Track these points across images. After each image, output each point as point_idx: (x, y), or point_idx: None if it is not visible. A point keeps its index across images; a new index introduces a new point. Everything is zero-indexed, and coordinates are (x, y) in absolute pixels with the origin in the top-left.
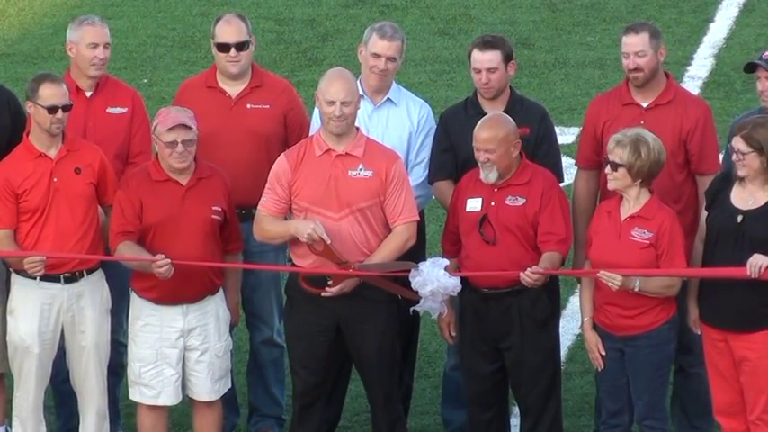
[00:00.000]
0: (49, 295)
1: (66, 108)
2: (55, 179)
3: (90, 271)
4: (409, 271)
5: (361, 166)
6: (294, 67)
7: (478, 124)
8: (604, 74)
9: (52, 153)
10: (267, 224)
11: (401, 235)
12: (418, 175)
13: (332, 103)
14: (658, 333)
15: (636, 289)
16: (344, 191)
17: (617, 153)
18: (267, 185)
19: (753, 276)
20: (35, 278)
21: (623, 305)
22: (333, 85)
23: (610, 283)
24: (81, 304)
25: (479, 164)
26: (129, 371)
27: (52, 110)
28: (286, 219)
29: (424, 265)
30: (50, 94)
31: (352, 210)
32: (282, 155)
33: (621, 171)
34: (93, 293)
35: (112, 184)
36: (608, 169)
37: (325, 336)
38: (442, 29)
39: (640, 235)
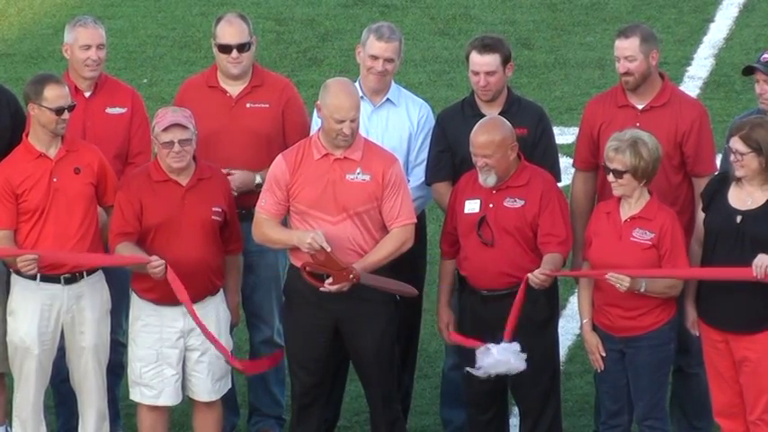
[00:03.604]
0: (49, 296)
1: (71, 108)
2: (54, 179)
3: (90, 272)
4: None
5: (358, 170)
6: (294, 67)
7: (474, 129)
8: (604, 74)
9: (52, 153)
10: (268, 229)
11: (398, 237)
12: (419, 175)
13: (342, 121)
14: (659, 333)
15: (642, 290)
16: (342, 195)
17: (618, 160)
18: (265, 186)
19: (759, 277)
20: (35, 279)
21: (625, 306)
22: (344, 105)
23: (618, 285)
24: (81, 305)
25: (477, 168)
26: (130, 371)
27: (59, 111)
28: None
29: (495, 348)
30: (57, 95)
31: (350, 214)
32: (280, 156)
33: (627, 177)
34: (92, 294)
35: (112, 184)
36: (611, 177)
37: (324, 336)
38: (441, 29)
39: (642, 236)
